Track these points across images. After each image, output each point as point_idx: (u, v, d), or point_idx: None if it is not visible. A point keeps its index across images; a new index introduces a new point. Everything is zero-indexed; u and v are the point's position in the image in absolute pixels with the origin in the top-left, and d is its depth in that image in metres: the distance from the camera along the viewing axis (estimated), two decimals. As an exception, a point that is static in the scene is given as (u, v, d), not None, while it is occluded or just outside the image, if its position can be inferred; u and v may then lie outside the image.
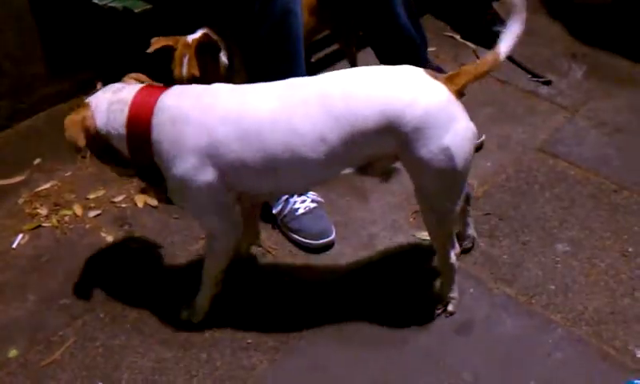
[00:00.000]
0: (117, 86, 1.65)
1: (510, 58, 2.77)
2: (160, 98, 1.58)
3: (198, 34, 1.99)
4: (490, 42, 2.80)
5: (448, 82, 1.54)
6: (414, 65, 2.31)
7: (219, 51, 1.98)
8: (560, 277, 1.92)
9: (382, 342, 1.76)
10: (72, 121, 1.60)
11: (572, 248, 2.01)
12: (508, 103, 2.59)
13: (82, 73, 2.60)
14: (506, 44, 1.57)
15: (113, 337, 1.79)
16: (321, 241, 2.00)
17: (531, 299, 1.86)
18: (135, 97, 1.58)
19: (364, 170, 1.66)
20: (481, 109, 2.52)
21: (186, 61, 1.95)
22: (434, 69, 2.37)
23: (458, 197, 1.64)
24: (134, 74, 1.71)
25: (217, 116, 1.55)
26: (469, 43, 2.92)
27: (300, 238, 2.01)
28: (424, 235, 2.02)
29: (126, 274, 1.96)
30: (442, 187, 1.59)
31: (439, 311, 1.81)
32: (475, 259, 1.97)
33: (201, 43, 1.95)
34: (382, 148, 1.57)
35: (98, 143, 1.61)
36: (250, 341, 1.77)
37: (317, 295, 1.88)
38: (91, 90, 2.60)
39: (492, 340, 1.76)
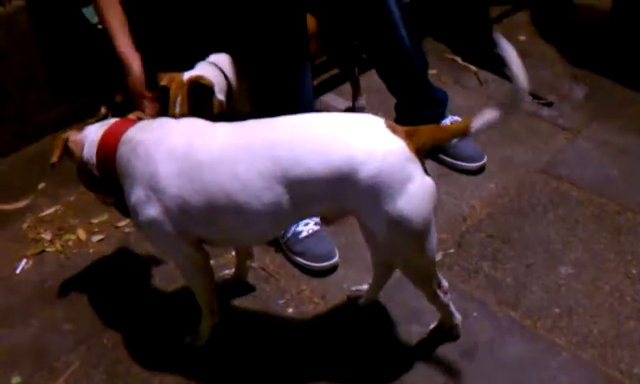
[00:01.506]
0: (112, 119, 1.70)
1: (511, 80, 2.82)
2: (126, 131, 1.61)
3: (196, 71, 2.02)
4: (491, 64, 2.88)
5: (408, 138, 1.45)
6: (416, 86, 2.36)
7: (212, 93, 2.00)
8: (564, 299, 1.92)
9: (386, 366, 1.75)
10: (60, 138, 1.70)
11: (576, 270, 2.00)
12: (510, 125, 2.60)
13: (86, 97, 2.62)
14: (482, 120, 1.46)
15: (116, 362, 1.78)
16: (325, 263, 2.00)
17: (536, 322, 1.86)
18: (107, 129, 1.64)
19: (323, 219, 1.63)
20: (482, 131, 2.52)
21: (178, 101, 1.96)
22: (436, 91, 2.41)
23: (426, 251, 1.53)
24: (138, 113, 1.76)
25: (163, 151, 1.53)
26: (470, 66, 2.94)
27: (304, 261, 2.01)
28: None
29: (129, 300, 1.95)
30: (400, 244, 1.51)
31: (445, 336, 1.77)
32: (479, 282, 1.97)
33: (193, 84, 1.97)
34: (334, 203, 1.49)
35: (83, 170, 1.68)
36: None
37: (320, 324, 1.88)
38: (95, 113, 2.63)
39: (496, 364, 1.76)
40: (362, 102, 2.67)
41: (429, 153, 2.42)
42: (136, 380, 1.74)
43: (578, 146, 2.50)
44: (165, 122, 1.65)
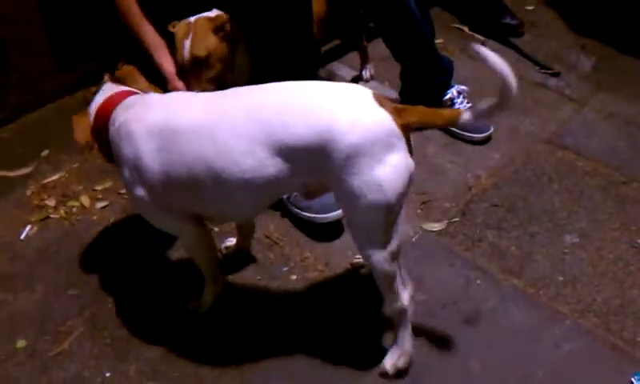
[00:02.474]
0: (105, 86, 1.68)
1: (518, 50, 2.80)
2: (114, 111, 1.59)
3: (211, 14, 1.93)
4: (499, 34, 2.85)
5: (395, 113, 1.41)
6: (423, 53, 2.33)
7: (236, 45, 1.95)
8: (568, 268, 1.91)
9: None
10: (76, 120, 1.65)
11: (580, 239, 2.00)
12: (516, 95, 2.57)
13: (89, 64, 2.60)
14: (474, 113, 1.44)
15: (121, 327, 1.79)
16: (330, 214, 1.99)
17: (539, 291, 1.85)
18: (99, 107, 1.62)
19: (305, 194, 1.59)
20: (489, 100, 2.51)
21: (187, 45, 1.88)
22: (442, 59, 2.38)
23: (392, 233, 1.48)
24: (126, 69, 1.73)
25: (142, 129, 1.51)
26: (477, 35, 2.91)
27: (310, 215, 2.00)
28: (432, 226, 2.03)
29: (133, 265, 1.96)
30: (373, 221, 1.46)
31: (390, 367, 1.64)
32: (483, 251, 1.97)
33: (220, 28, 1.90)
34: (315, 175, 1.46)
35: (94, 138, 1.65)
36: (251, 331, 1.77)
37: (326, 289, 1.89)
38: (99, 81, 2.61)
39: (499, 331, 1.76)
40: (369, 71, 2.65)
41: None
42: (140, 345, 1.75)
43: (584, 117, 2.48)
44: (147, 97, 1.61)
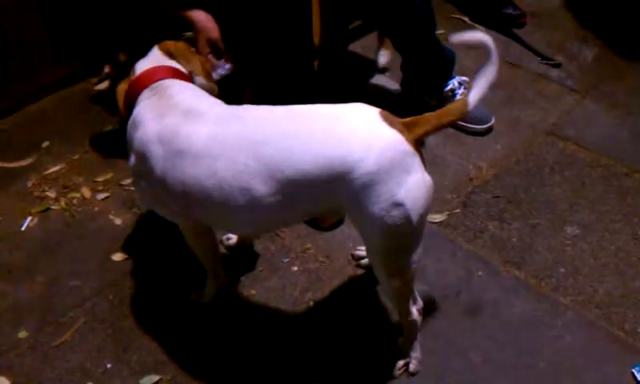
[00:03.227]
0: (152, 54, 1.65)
1: (520, 40, 2.79)
2: (146, 89, 1.56)
3: None
4: (499, 24, 2.84)
5: (406, 129, 1.37)
6: (424, 43, 2.31)
7: None
8: (570, 259, 1.91)
9: (389, 322, 1.76)
10: (119, 88, 1.65)
11: (582, 231, 1.99)
12: (518, 86, 2.57)
13: (90, 55, 2.59)
14: (476, 93, 1.40)
15: (122, 318, 1.79)
16: None
17: (540, 282, 1.85)
18: (135, 77, 1.60)
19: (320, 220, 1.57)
20: (490, 91, 2.48)
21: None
22: (444, 49, 2.37)
23: (415, 256, 1.46)
24: (182, 45, 1.68)
25: (155, 133, 1.48)
26: (478, 26, 2.89)
27: None
28: (433, 217, 2.02)
29: (134, 256, 1.96)
30: (395, 245, 1.42)
31: (399, 371, 1.64)
32: (484, 242, 1.97)
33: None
34: (326, 205, 1.44)
35: (124, 106, 1.63)
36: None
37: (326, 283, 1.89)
38: (99, 72, 2.61)
39: (501, 322, 1.76)
40: (385, 57, 2.61)
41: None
42: (141, 336, 1.75)
43: (585, 108, 2.47)
44: (175, 91, 1.54)
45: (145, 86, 1.56)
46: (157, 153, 1.48)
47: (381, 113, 1.39)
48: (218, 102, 1.55)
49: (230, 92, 1.79)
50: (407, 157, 1.35)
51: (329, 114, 1.41)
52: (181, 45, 1.69)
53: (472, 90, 1.40)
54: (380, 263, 1.47)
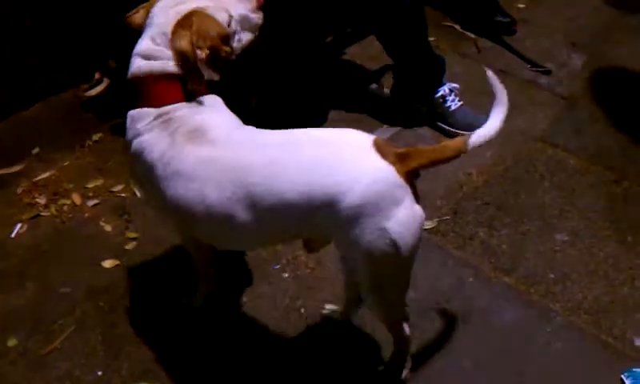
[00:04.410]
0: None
1: (510, 48, 2.80)
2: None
3: None
4: (490, 32, 2.85)
5: (398, 160, 1.32)
6: (416, 49, 2.32)
7: None
8: (559, 266, 1.92)
9: (381, 329, 1.76)
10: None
11: (571, 237, 2.01)
12: (508, 93, 2.56)
13: (80, 62, 2.59)
14: (479, 137, 1.36)
15: (112, 326, 1.79)
16: None
17: (530, 288, 1.86)
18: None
19: (306, 246, 1.55)
20: (480, 98, 2.49)
21: None
22: (436, 58, 2.38)
23: (406, 288, 1.46)
24: None
25: (160, 150, 1.42)
26: (469, 33, 2.91)
27: None
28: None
29: (125, 263, 1.95)
30: (386, 281, 1.41)
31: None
32: (474, 249, 1.97)
33: None
34: (313, 232, 1.43)
35: None
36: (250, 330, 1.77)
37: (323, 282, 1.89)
38: (89, 79, 2.60)
39: (491, 329, 1.77)
40: None
41: (426, 120, 2.42)
42: (131, 343, 1.75)
43: (575, 115, 2.49)
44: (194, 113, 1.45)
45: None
46: (160, 171, 1.42)
47: (375, 141, 1.34)
48: (227, 120, 1.48)
49: (236, 100, 1.78)
50: (397, 189, 1.31)
51: (320, 140, 1.37)
52: None
53: (476, 132, 1.37)
54: (370, 294, 1.45)
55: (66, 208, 2.13)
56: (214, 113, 1.47)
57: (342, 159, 1.33)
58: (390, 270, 1.39)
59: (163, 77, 1.44)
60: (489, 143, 2.30)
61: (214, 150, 1.40)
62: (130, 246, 2.00)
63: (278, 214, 1.34)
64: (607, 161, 2.26)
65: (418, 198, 1.36)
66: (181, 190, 1.41)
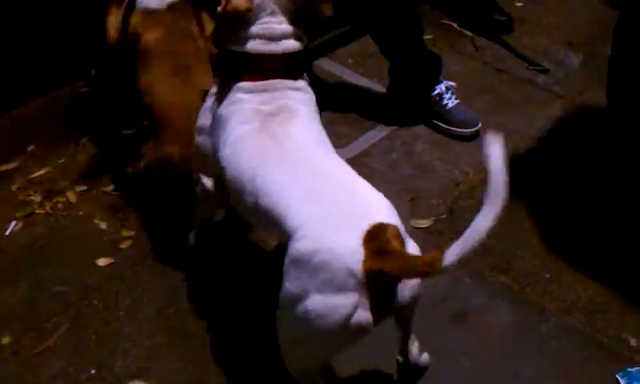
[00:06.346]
0: None
1: (507, 46, 2.80)
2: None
3: None
4: (487, 30, 2.85)
5: (375, 256, 1.22)
6: (412, 48, 2.31)
7: None
8: (555, 265, 1.92)
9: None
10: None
11: (567, 236, 2.00)
12: (505, 92, 2.58)
13: (76, 60, 2.58)
14: (454, 252, 1.20)
15: (106, 324, 1.78)
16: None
17: (525, 288, 1.86)
18: None
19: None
20: (477, 97, 2.51)
21: None
22: (431, 54, 2.38)
23: (304, 365, 1.41)
24: None
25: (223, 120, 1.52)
26: (466, 31, 2.91)
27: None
28: (420, 223, 2.03)
29: (119, 261, 1.94)
30: (283, 334, 1.39)
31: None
32: (470, 248, 1.97)
33: None
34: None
35: None
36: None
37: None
38: (86, 77, 2.59)
39: (488, 328, 1.76)
40: None
41: (422, 119, 2.41)
42: (125, 342, 1.74)
43: (572, 113, 2.48)
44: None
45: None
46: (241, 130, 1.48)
47: (385, 227, 1.25)
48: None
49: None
50: (349, 278, 1.22)
51: (345, 185, 1.37)
52: None
53: (451, 248, 1.20)
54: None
55: (60, 206, 2.12)
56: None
57: (340, 209, 1.29)
58: (289, 334, 1.37)
59: None
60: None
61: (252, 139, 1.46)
62: (124, 244, 1.99)
63: (259, 211, 1.41)
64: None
65: (384, 314, 1.29)
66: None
